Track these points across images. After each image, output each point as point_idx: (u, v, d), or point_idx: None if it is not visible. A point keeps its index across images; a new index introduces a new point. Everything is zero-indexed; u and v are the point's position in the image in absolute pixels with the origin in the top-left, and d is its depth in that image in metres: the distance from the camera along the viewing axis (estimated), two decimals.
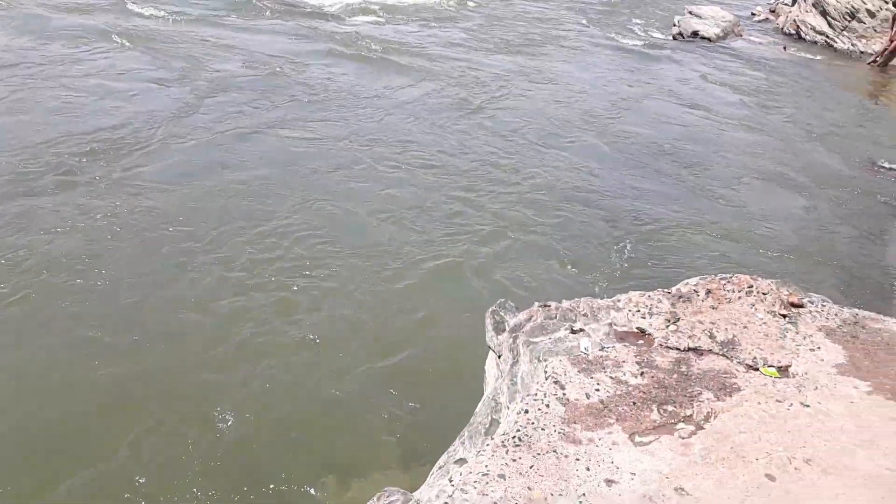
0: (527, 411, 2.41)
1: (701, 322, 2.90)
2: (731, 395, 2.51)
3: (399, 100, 9.79)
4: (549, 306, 3.09)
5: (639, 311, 2.99)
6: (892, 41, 14.62)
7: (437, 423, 4.11)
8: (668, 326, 2.87)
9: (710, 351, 2.75)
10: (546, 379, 2.56)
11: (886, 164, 9.20)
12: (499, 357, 3.06)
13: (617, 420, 2.38)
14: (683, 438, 2.32)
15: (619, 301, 3.08)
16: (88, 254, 5.60)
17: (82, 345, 4.73)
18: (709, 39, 15.69)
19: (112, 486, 3.78)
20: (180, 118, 8.38)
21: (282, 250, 5.92)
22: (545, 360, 2.67)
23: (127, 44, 10.89)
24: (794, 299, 3.05)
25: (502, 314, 3.27)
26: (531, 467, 2.18)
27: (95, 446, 4.01)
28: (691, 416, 2.41)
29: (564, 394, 2.49)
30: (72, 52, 10.22)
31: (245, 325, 5.02)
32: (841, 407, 2.46)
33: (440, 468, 2.69)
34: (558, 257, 6.25)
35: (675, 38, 16.08)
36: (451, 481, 2.16)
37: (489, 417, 2.74)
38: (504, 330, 3.14)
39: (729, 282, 3.13)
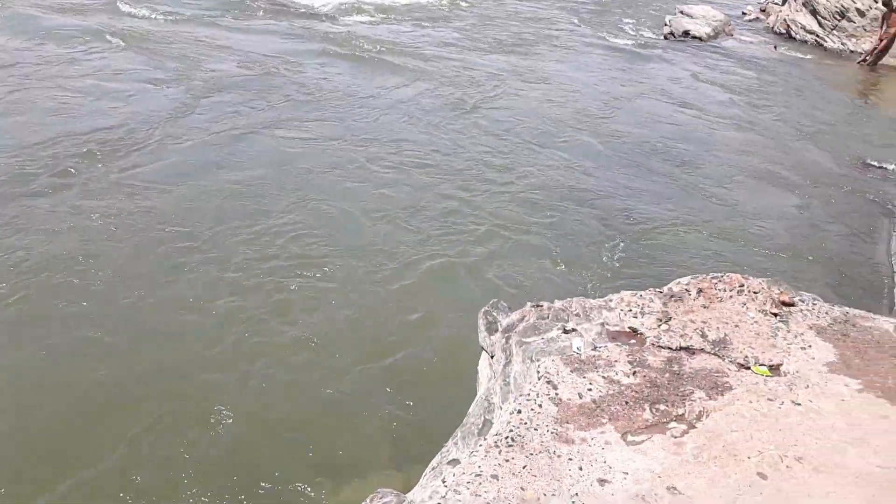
0: (519, 411, 2.42)
1: (692, 321, 2.92)
2: (722, 394, 2.53)
3: (393, 99, 9.79)
4: (542, 306, 3.10)
5: (631, 310, 3.01)
6: (881, 40, 14.68)
7: (432, 423, 4.12)
8: (659, 326, 2.89)
9: (701, 350, 2.77)
10: (539, 379, 2.57)
11: (876, 163, 9.25)
12: (491, 357, 3.07)
13: (609, 419, 2.40)
14: (676, 437, 2.33)
15: (611, 301, 3.09)
16: (85, 254, 5.61)
17: (80, 344, 4.73)
18: (700, 39, 15.72)
19: (109, 485, 3.78)
20: (176, 118, 8.36)
21: (277, 249, 5.93)
22: (538, 360, 2.68)
23: (121, 44, 10.84)
24: (786, 298, 3.07)
25: (495, 314, 3.28)
26: (524, 467, 2.19)
27: (93, 446, 4.01)
28: (683, 415, 2.43)
29: (557, 394, 2.50)
30: (66, 53, 10.17)
31: (241, 324, 5.03)
32: (832, 405, 2.48)
33: (433, 469, 2.69)
34: (551, 256, 6.26)
35: (666, 38, 16.10)
36: (444, 482, 2.17)
37: (482, 418, 2.75)
38: (497, 330, 3.15)
39: (720, 281, 3.16)
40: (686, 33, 15.97)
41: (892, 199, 8.26)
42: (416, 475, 2.92)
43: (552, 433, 2.33)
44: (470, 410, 3.01)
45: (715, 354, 2.74)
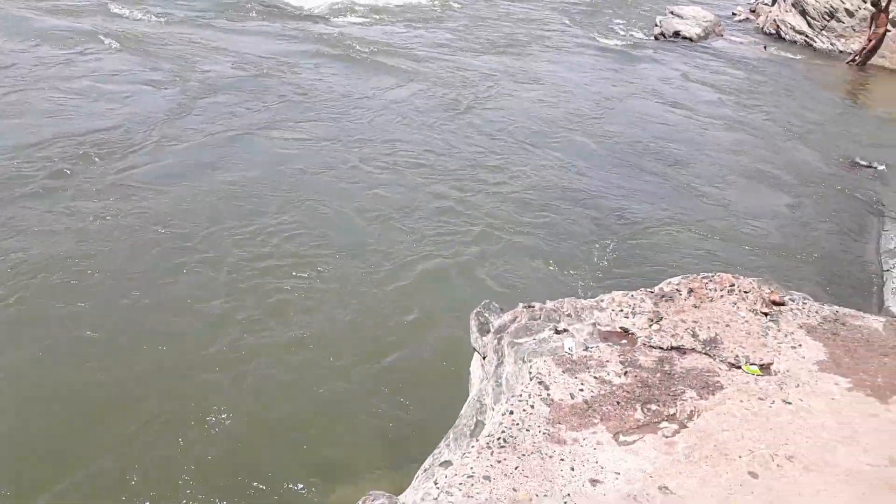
0: (511, 412, 2.43)
1: (683, 321, 2.94)
2: (713, 394, 2.54)
3: (387, 100, 9.80)
4: (534, 307, 3.11)
5: (622, 310, 3.02)
6: (870, 40, 14.78)
7: (427, 424, 4.13)
8: (651, 326, 2.91)
9: (692, 350, 2.78)
10: (530, 380, 2.58)
11: (864, 162, 9.32)
12: (483, 358, 3.08)
13: (601, 420, 2.41)
14: (667, 437, 2.34)
15: (602, 301, 3.11)
16: (82, 255, 5.61)
17: (79, 345, 4.74)
18: (690, 39, 15.77)
19: (107, 485, 3.80)
20: (172, 120, 8.36)
21: (273, 249, 5.94)
22: (529, 361, 2.68)
23: (116, 46, 10.80)
24: (776, 297, 3.09)
25: (487, 315, 3.29)
26: (516, 468, 2.19)
27: (91, 446, 4.02)
28: (675, 414, 2.44)
29: (549, 394, 2.51)
30: (61, 55, 10.13)
31: (238, 325, 5.04)
32: (822, 404, 2.49)
33: (425, 471, 2.70)
34: (543, 257, 6.29)
35: (656, 38, 16.14)
36: (436, 484, 2.17)
37: (474, 419, 2.76)
38: (489, 331, 3.16)
39: (711, 280, 3.18)
40: (676, 34, 16.02)
41: (881, 197, 8.32)
42: (410, 476, 2.93)
43: (544, 434, 2.33)
44: (462, 412, 3.02)
45: (706, 354, 2.76)
